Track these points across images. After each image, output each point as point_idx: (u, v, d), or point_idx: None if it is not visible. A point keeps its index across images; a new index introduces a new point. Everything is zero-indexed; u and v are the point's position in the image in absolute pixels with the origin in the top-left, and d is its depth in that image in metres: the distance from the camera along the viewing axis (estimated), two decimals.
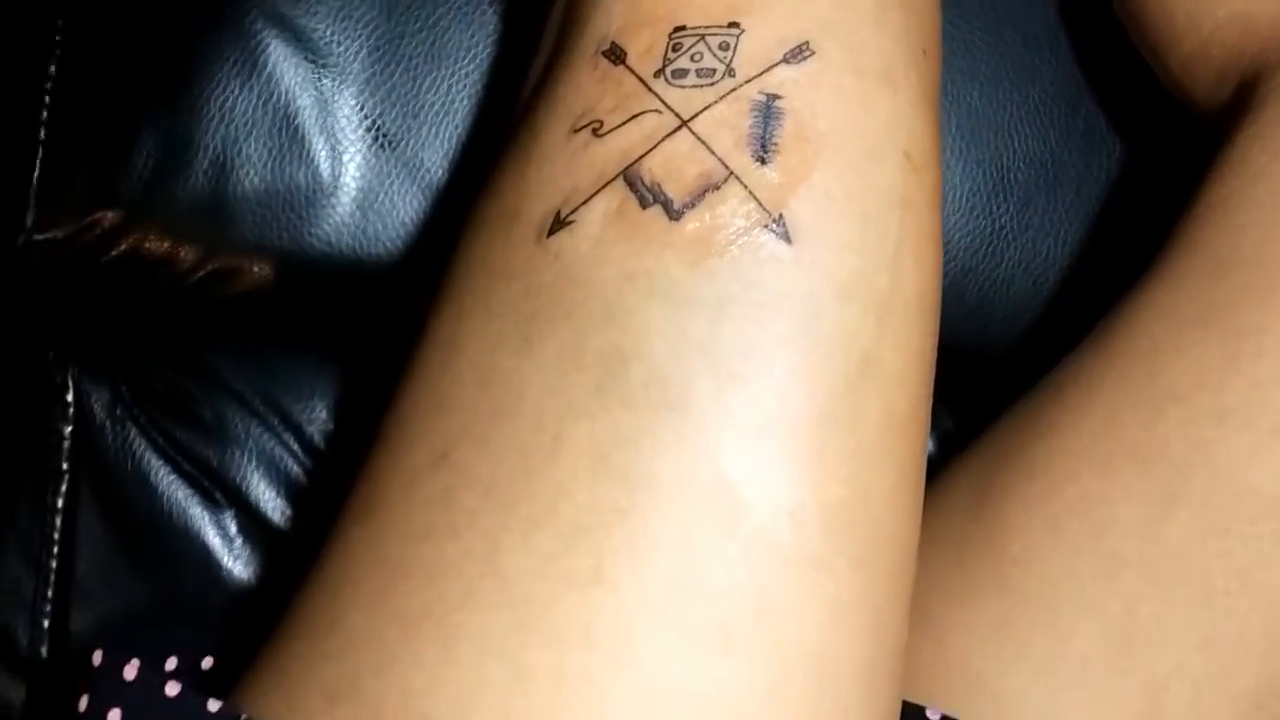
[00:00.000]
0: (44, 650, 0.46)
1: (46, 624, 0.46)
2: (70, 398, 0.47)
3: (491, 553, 0.32)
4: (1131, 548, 0.41)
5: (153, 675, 0.36)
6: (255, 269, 0.47)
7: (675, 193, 0.34)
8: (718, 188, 0.34)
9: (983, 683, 0.42)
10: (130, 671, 0.36)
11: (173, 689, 0.35)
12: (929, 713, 0.41)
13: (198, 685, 0.36)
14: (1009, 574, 0.42)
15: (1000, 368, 0.51)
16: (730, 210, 0.33)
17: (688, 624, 0.31)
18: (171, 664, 0.40)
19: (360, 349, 0.50)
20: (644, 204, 0.34)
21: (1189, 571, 0.41)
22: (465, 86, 0.48)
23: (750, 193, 0.33)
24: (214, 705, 0.35)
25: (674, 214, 0.33)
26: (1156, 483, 0.41)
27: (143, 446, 0.47)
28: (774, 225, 0.33)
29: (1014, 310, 0.52)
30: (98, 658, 0.36)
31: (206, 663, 0.42)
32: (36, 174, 0.46)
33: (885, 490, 0.34)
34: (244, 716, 0.34)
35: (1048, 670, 0.41)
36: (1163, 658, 0.40)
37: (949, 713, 0.41)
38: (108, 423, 0.47)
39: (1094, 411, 0.43)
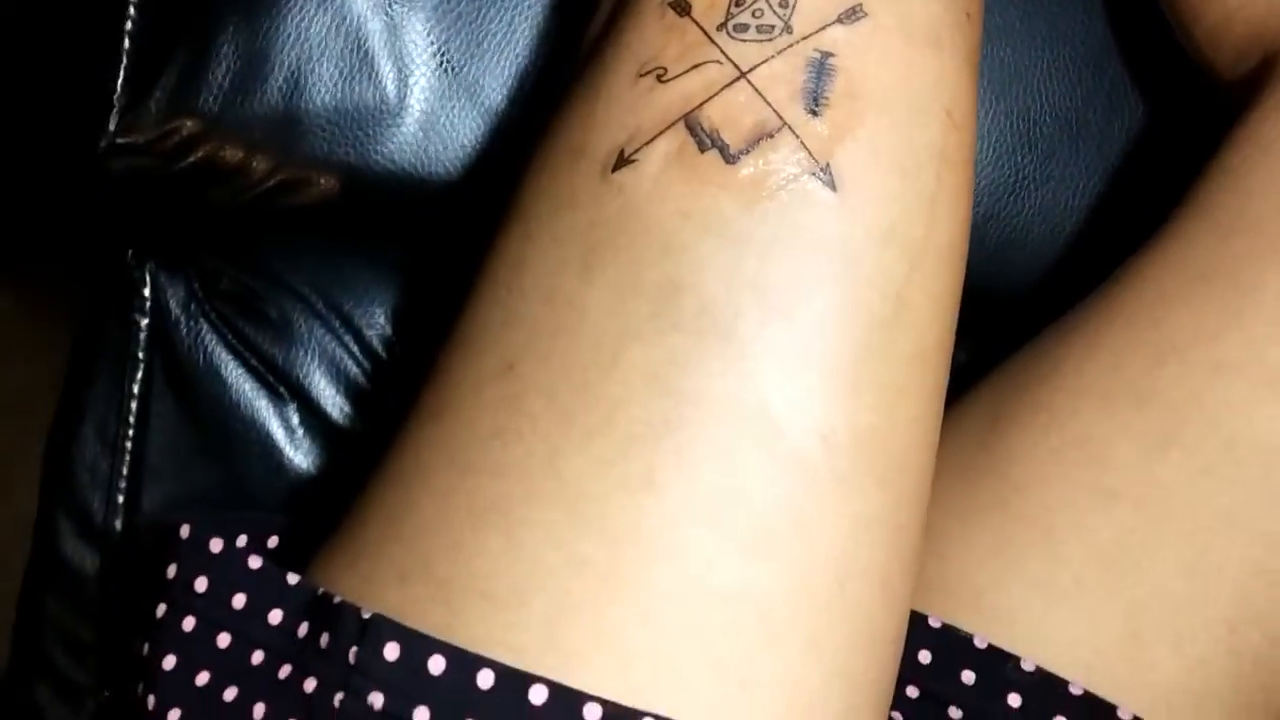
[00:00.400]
0: (118, 524, 0.50)
1: (121, 500, 0.50)
2: (147, 293, 0.50)
3: (552, 456, 0.35)
4: (1125, 482, 0.44)
5: (236, 548, 0.39)
6: (322, 181, 0.49)
7: (732, 139, 0.36)
8: (771, 136, 0.36)
9: (981, 596, 0.45)
10: (216, 545, 0.39)
11: (255, 562, 0.39)
12: (930, 620, 0.45)
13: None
14: (1011, 499, 0.45)
15: (1014, 310, 0.54)
16: (782, 158, 0.36)
17: (727, 528, 0.35)
18: (242, 541, 0.43)
19: (418, 261, 0.53)
20: (702, 148, 0.36)
21: (1177, 507, 0.44)
22: (527, 18, 0.50)
23: (801, 142, 0.36)
24: (293, 579, 0.38)
25: (730, 158, 0.36)
26: (1153, 424, 0.44)
27: (213, 341, 0.50)
28: (821, 174, 0.36)
29: (1031, 256, 0.54)
30: (185, 531, 0.40)
31: (272, 542, 0.45)
32: (120, 82, 0.48)
33: (909, 419, 0.38)
34: (321, 590, 0.37)
35: (1041, 588, 0.44)
36: (1146, 582, 0.44)
37: (949, 621, 0.45)
38: (182, 317, 0.50)
39: (1100, 354, 0.46)
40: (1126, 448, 0.44)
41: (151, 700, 0.38)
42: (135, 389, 0.50)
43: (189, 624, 0.38)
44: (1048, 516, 0.45)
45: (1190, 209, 0.47)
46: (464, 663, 0.34)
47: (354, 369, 0.52)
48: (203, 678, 0.37)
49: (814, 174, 0.36)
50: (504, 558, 0.35)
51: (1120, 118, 0.55)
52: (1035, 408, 0.47)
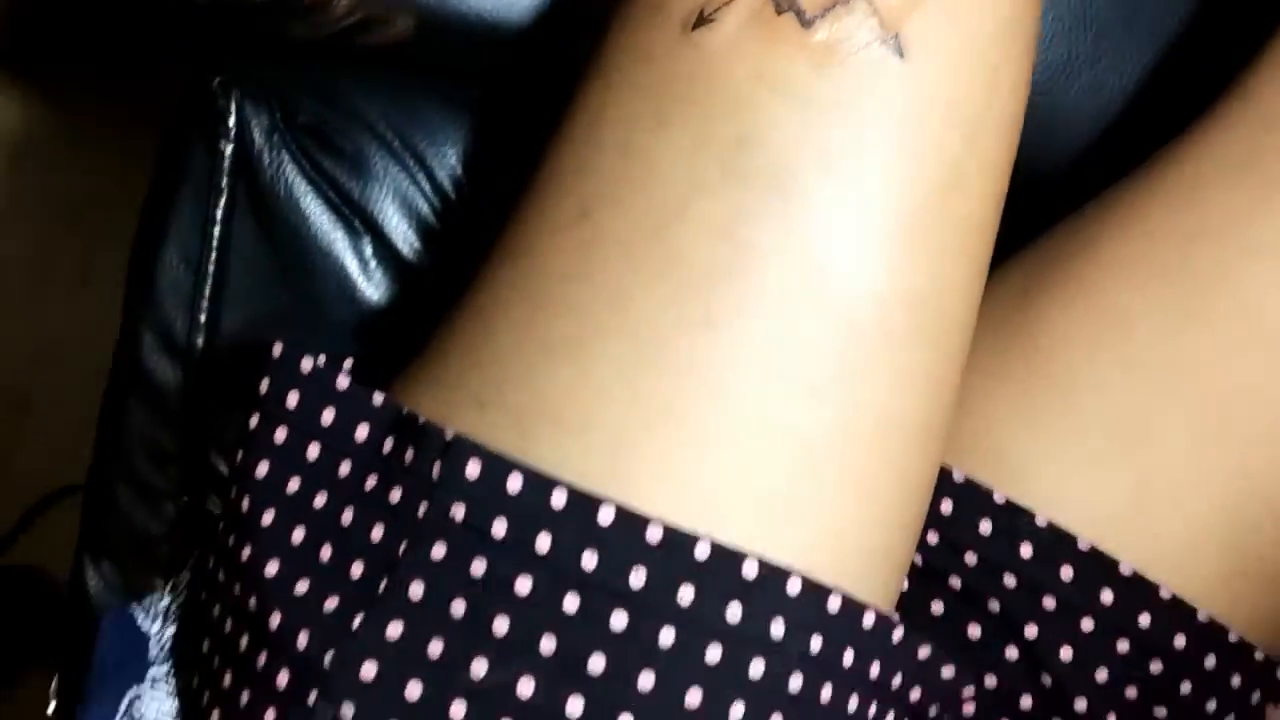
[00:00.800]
0: (199, 341, 0.53)
1: (203, 319, 0.53)
2: (232, 122, 0.52)
3: (621, 297, 0.38)
4: (1148, 355, 0.46)
5: (324, 369, 0.42)
6: (399, 22, 0.51)
7: (808, 3, 0.38)
8: (846, 2, 0.38)
9: (1001, 454, 0.47)
10: (306, 364, 0.42)
11: (342, 382, 0.41)
12: (954, 474, 0.47)
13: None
14: (1039, 363, 0.47)
15: (1055, 188, 0.55)
16: (855, 23, 0.38)
17: (778, 372, 0.37)
18: (322, 361, 0.46)
19: (490, 104, 0.55)
20: (779, 10, 0.38)
21: (1195, 383, 0.46)
22: None
23: (874, 9, 0.38)
24: (378, 399, 0.41)
25: (805, 22, 0.38)
26: (1180, 302, 0.46)
27: (293, 172, 0.52)
28: (890, 41, 0.38)
29: (1076, 136, 0.55)
30: (278, 350, 0.42)
31: (347, 364, 0.48)
32: None
33: (956, 283, 0.40)
34: (405, 409, 0.40)
35: (1059, 450, 0.47)
36: (1158, 449, 0.46)
37: (971, 476, 0.48)
38: (265, 147, 0.52)
39: (1134, 232, 0.48)
40: (1152, 322, 0.47)
41: (246, 503, 0.41)
42: (218, 214, 0.52)
43: (281, 435, 0.41)
44: (1071, 382, 0.47)
45: (1235, 98, 0.49)
46: (539, 483, 0.37)
47: (425, 207, 0.54)
48: (293, 484, 0.41)
49: (884, 41, 0.38)
50: (573, 389, 0.38)
51: (1176, 1, 0.56)
52: (1067, 278, 0.49)
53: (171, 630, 0.45)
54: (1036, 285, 0.50)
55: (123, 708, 0.42)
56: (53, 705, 0.55)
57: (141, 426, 0.53)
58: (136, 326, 0.52)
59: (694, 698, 0.36)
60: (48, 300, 1.25)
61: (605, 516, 0.36)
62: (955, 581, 0.47)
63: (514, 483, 0.37)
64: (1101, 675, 0.46)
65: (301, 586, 0.38)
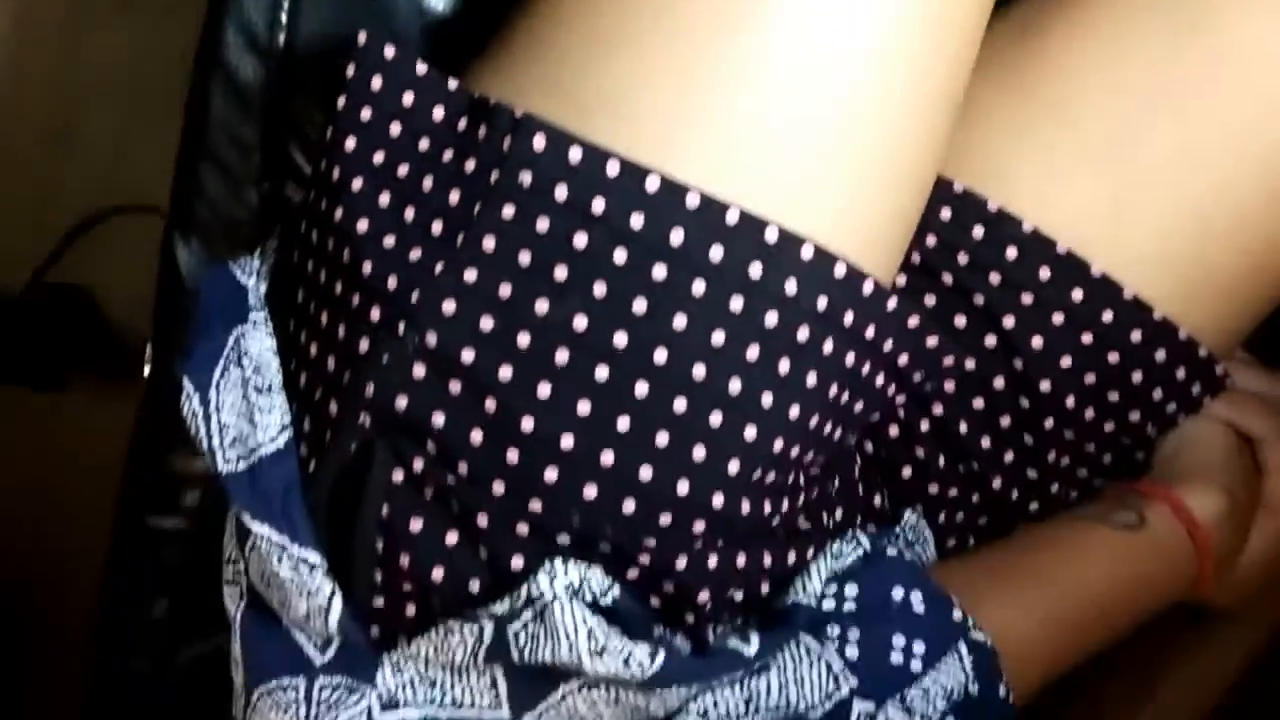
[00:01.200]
0: (280, 41, 0.58)
1: (284, 19, 0.57)
2: None
3: (670, 3, 0.43)
4: (1138, 79, 0.51)
5: (405, 56, 0.47)
6: None
7: None
8: None
9: (997, 168, 0.53)
10: (389, 51, 0.47)
11: (421, 68, 0.47)
12: (955, 185, 0.53)
13: None
14: (1037, 85, 0.52)
15: None
16: None
17: (803, 73, 0.43)
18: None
19: None
20: None
21: (1178, 103, 0.51)
22: None
23: None
24: (453, 84, 0.47)
25: None
26: (1171, 33, 0.51)
27: None
28: None
29: None
30: (363, 38, 0.47)
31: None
32: None
33: (966, 12, 0.45)
34: (478, 94, 0.46)
35: (1048, 165, 0.52)
36: (1136, 170, 0.52)
37: (969, 186, 0.53)
38: None
39: None
40: (1145, 51, 0.51)
41: (336, 172, 0.46)
42: None
43: (366, 114, 0.46)
44: (1065, 104, 0.52)
45: None
46: (596, 154, 0.43)
47: None
48: (378, 157, 0.46)
49: None
50: (625, 79, 0.43)
51: None
52: (1067, 11, 0.53)
53: (264, 287, 0.51)
54: (1037, 21, 0.55)
55: (230, 341, 0.49)
56: (148, 368, 0.63)
57: (225, 118, 0.58)
58: (221, 25, 0.57)
59: (718, 338, 0.43)
60: (87, 29, 1.27)
61: (651, 184, 0.42)
62: (947, 278, 0.53)
63: (574, 154, 0.43)
64: (1066, 362, 0.53)
65: (389, 240, 0.45)
